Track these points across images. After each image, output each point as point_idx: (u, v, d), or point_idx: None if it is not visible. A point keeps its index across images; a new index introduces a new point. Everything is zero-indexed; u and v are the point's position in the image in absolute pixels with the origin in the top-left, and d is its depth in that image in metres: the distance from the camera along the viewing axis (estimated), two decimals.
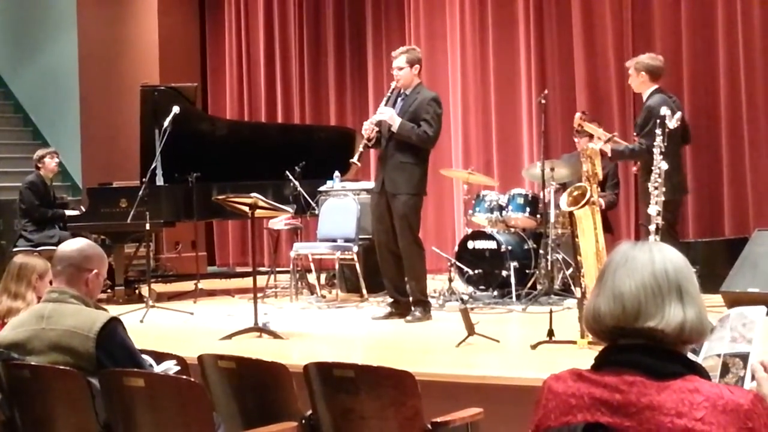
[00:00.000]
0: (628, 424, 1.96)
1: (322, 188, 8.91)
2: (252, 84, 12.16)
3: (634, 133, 6.86)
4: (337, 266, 8.59)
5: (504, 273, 7.89)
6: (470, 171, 8.61)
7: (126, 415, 3.43)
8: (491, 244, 8.04)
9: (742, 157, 8.50)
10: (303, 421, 3.52)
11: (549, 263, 7.66)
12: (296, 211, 8.61)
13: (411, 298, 7.05)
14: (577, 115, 6.65)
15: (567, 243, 7.57)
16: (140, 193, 7.83)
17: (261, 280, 8.17)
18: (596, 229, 5.88)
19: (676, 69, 8.76)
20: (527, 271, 7.96)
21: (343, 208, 8.47)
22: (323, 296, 8.53)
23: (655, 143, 6.14)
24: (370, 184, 8.83)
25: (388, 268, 7.09)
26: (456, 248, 8.37)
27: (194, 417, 3.25)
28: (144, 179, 8.07)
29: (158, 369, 3.62)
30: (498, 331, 5.92)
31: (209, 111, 12.05)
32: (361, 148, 7.16)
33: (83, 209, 9.37)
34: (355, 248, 8.14)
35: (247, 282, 7.75)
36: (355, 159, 7.14)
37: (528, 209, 8.10)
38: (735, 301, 6.14)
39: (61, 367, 3.46)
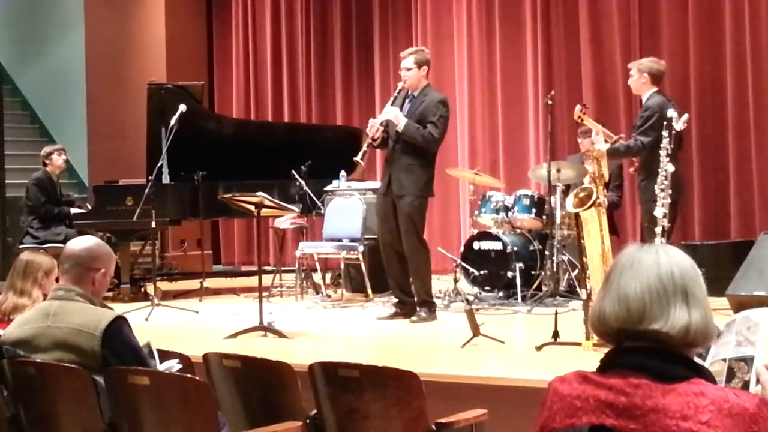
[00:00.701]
0: (634, 426, 1.96)
1: (327, 188, 8.91)
2: (258, 83, 12.18)
3: (633, 134, 6.87)
4: (342, 266, 8.59)
5: (509, 274, 7.89)
6: (476, 171, 8.60)
7: (131, 413, 3.43)
8: (497, 245, 8.04)
9: (749, 160, 8.49)
10: (307, 421, 3.52)
11: (554, 264, 7.66)
12: (302, 210, 8.61)
13: (416, 299, 7.06)
14: (578, 107, 6.62)
15: (573, 244, 7.56)
16: (146, 191, 7.83)
17: (266, 279, 8.18)
18: (602, 231, 5.88)
19: (683, 71, 8.76)
20: (533, 272, 7.96)
21: (348, 208, 8.47)
22: (328, 296, 8.53)
23: (661, 145, 6.13)
24: (376, 184, 8.83)
25: (392, 268, 7.09)
26: (461, 249, 8.37)
27: (199, 415, 3.25)
28: (150, 177, 8.07)
29: (160, 367, 3.62)
30: (503, 332, 5.91)
31: (216, 110, 12.07)
32: (365, 147, 7.14)
33: (89, 207, 9.37)
34: (361, 248, 8.14)
35: (253, 281, 7.76)
36: (359, 158, 7.13)
37: (534, 210, 8.10)
38: (740, 304, 6.12)
39: (67, 364, 3.46)
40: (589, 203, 5.84)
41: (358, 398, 3.44)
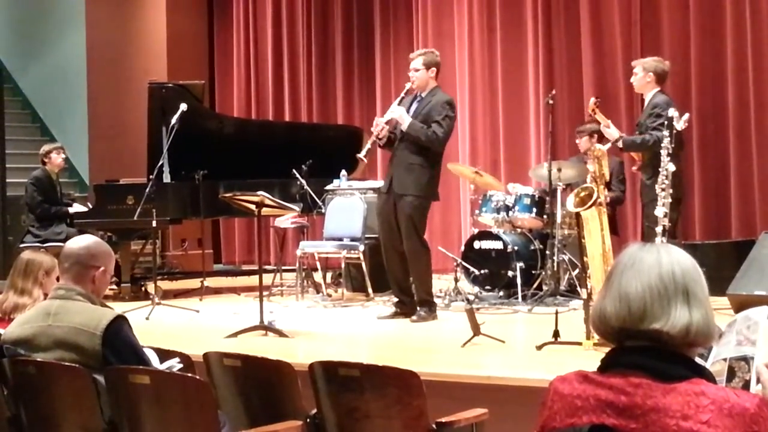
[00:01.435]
0: (634, 426, 1.96)
1: (328, 187, 8.91)
2: (259, 82, 12.18)
3: (636, 132, 6.87)
4: (343, 265, 8.59)
5: (510, 273, 7.89)
6: (477, 171, 8.60)
7: (131, 413, 3.43)
8: (497, 245, 8.04)
9: (750, 159, 8.48)
10: (308, 420, 3.52)
11: (555, 264, 7.65)
12: (303, 209, 8.61)
13: (416, 298, 7.06)
14: (592, 99, 6.66)
15: (573, 244, 7.56)
16: (147, 190, 7.83)
17: (267, 279, 8.18)
18: (603, 231, 5.88)
19: (684, 71, 8.76)
20: (533, 271, 7.96)
21: (349, 207, 8.47)
22: (329, 295, 8.53)
23: (662, 144, 6.14)
24: (377, 183, 8.83)
25: (393, 268, 7.09)
26: (462, 248, 8.37)
27: (199, 415, 3.25)
28: (151, 176, 8.07)
29: (161, 367, 3.62)
30: (503, 332, 5.92)
31: (217, 109, 12.08)
32: (368, 145, 7.14)
33: (90, 206, 9.37)
34: (362, 247, 8.14)
35: (253, 280, 7.76)
36: (361, 154, 7.13)
37: (534, 210, 8.09)
38: (741, 303, 6.12)
39: (67, 363, 3.47)
40: (590, 203, 5.84)
41: (359, 397, 3.44)
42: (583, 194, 5.93)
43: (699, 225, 8.68)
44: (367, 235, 8.30)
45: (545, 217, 8.04)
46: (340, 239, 8.37)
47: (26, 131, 13.65)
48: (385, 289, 8.20)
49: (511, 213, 8.17)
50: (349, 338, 6.60)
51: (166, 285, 9.25)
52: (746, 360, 2.15)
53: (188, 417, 3.29)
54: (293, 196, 8.86)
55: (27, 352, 3.59)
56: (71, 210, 9.26)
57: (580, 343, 5.38)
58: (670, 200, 6.10)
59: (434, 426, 3.31)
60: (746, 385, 2.13)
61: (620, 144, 6.79)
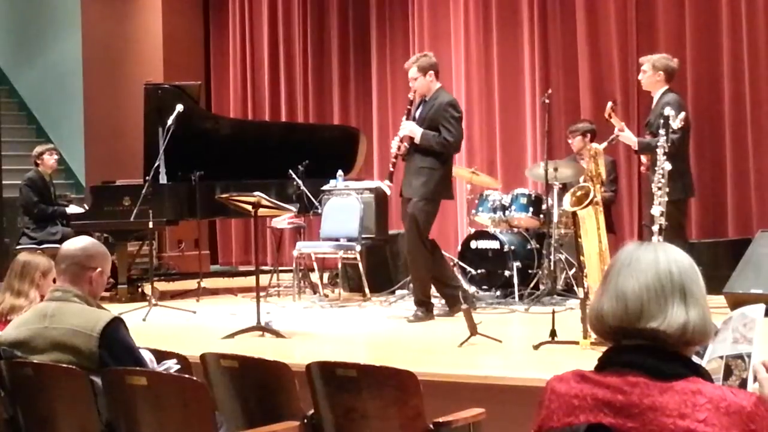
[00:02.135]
0: (631, 425, 1.96)
1: (325, 187, 8.90)
2: (256, 83, 12.16)
3: (647, 132, 6.87)
4: (339, 265, 8.59)
5: (507, 273, 7.89)
6: (473, 170, 8.60)
7: (128, 414, 3.43)
8: (494, 244, 8.04)
9: (746, 158, 8.49)
10: (305, 421, 3.52)
11: (552, 263, 7.66)
12: (299, 210, 8.60)
13: (413, 299, 7.09)
14: (609, 104, 6.68)
15: (570, 243, 7.56)
16: (143, 191, 7.82)
17: (264, 279, 8.17)
18: (599, 230, 5.88)
19: (680, 69, 8.70)
20: (530, 271, 7.96)
21: (346, 208, 8.46)
22: (326, 295, 8.53)
23: (659, 143, 6.14)
24: (374, 184, 8.85)
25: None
26: (459, 248, 8.38)
27: (196, 416, 3.25)
28: (147, 177, 8.06)
29: (159, 368, 3.62)
30: (500, 332, 5.92)
31: (213, 109, 12.05)
32: (391, 168, 7.25)
33: (86, 207, 9.37)
34: (358, 247, 8.14)
35: (250, 281, 7.75)
36: (386, 182, 7.31)
37: (531, 209, 8.10)
38: (738, 302, 6.13)
39: (64, 365, 3.46)
40: (587, 202, 5.85)
41: (356, 398, 3.44)
42: (579, 193, 5.93)
43: (695, 224, 8.68)
44: (363, 236, 8.30)
45: (542, 216, 8.05)
46: (337, 239, 8.37)
47: (22, 133, 13.63)
48: (382, 289, 8.23)
49: (507, 212, 8.17)
50: (346, 338, 6.60)
51: (162, 286, 9.25)
52: (743, 358, 2.15)
53: (185, 418, 3.29)
54: (290, 197, 8.86)
55: (24, 354, 3.59)
56: (68, 211, 9.25)
57: (577, 343, 5.38)
58: (666, 199, 6.10)
59: (431, 426, 3.31)
60: (743, 384, 2.13)
61: (635, 147, 6.81)
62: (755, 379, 2.08)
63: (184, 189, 8.84)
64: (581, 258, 5.95)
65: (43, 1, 13.68)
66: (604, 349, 2.11)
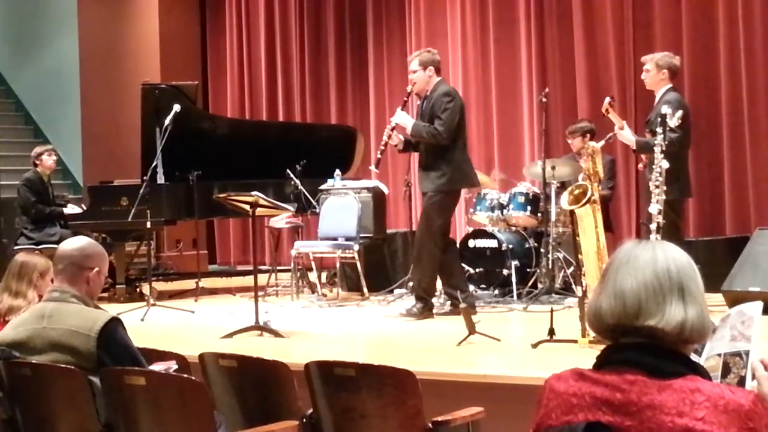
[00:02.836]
0: (629, 423, 1.96)
1: (323, 186, 8.90)
2: (253, 82, 12.16)
3: (647, 130, 6.87)
4: (338, 265, 8.59)
5: (505, 272, 7.90)
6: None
7: (127, 414, 3.43)
8: (492, 243, 8.04)
9: (743, 156, 8.49)
10: (304, 420, 3.52)
11: (550, 262, 7.66)
12: (297, 209, 8.60)
13: (414, 293, 7.09)
14: (607, 99, 6.67)
15: (568, 242, 7.57)
16: (141, 191, 7.82)
17: (262, 279, 8.17)
18: (597, 228, 5.88)
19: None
20: (528, 269, 7.96)
21: (344, 207, 8.46)
22: (324, 295, 8.53)
23: (656, 141, 6.14)
24: (372, 183, 8.85)
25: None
26: (457, 247, 8.36)
27: (195, 415, 3.25)
28: (145, 177, 8.06)
29: (158, 367, 3.62)
30: (499, 330, 5.92)
31: (210, 109, 12.06)
32: (378, 155, 7.22)
33: (84, 207, 9.36)
34: (356, 247, 8.14)
35: (248, 280, 7.75)
36: (372, 166, 7.23)
37: (529, 208, 8.10)
38: (736, 300, 6.12)
39: (62, 365, 3.46)
40: (584, 200, 5.85)
41: (355, 397, 3.44)
42: (577, 192, 5.93)
43: (693, 222, 8.69)
44: (361, 235, 8.31)
45: (540, 215, 8.05)
46: (335, 239, 8.37)
47: (19, 133, 13.63)
48: (380, 288, 8.22)
49: (505, 211, 8.17)
50: (345, 338, 6.60)
51: (161, 286, 9.25)
52: (741, 355, 2.16)
53: (184, 418, 3.29)
54: (287, 196, 8.85)
55: (22, 354, 3.59)
56: (66, 211, 9.25)
57: (575, 341, 5.38)
58: (663, 197, 6.10)
59: (430, 425, 3.31)
60: (741, 381, 2.13)
61: (634, 146, 6.80)
62: (753, 376, 2.08)
63: (182, 189, 8.83)
64: (579, 256, 5.95)
65: (40, 1, 13.66)
66: (602, 347, 2.12)
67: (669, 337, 2.01)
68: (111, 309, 4.27)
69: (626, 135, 6.73)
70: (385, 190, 8.71)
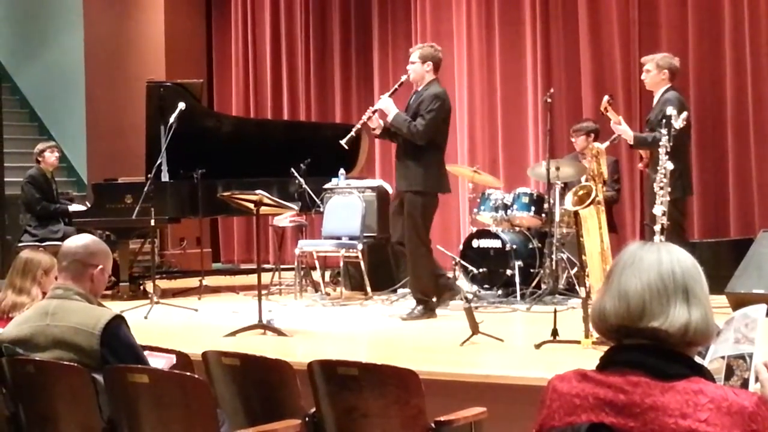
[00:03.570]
0: (633, 424, 1.96)
1: (327, 186, 8.90)
2: (258, 81, 12.17)
3: (647, 129, 6.87)
4: (341, 264, 8.60)
5: (508, 272, 7.89)
6: (475, 170, 8.60)
7: (130, 412, 3.43)
8: (496, 243, 8.03)
9: (748, 158, 8.49)
10: (306, 419, 3.52)
11: (554, 262, 7.65)
12: (301, 208, 8.61)
13: (413, 297, 7.08)
14: (606, 97, 6.66)
15: (572, 242, 7.55)
16: (145, 189, 7.82)
17: (266, 278, 8.18)
18: (601, 229, 5.88)
19: (683, 69, 8.69)
20: (532, 270, 7.95)
21: (347, 206, 8.46)
22: (328, 294, 8.53)
23: (660, 143, 6.13)
24: (376, 182, 8.85)
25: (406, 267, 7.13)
26: (461, 247, 8.37)
27: (198, 413, 3.26)
28: (149, 175, 8.07)
29: (157, 363, 3.63)
30: (502, 331, 5.91)
31: (215, 107, 12.07)
32: (352, 132, 7.15)
33: (88, 205, 9.37)
34: (360, 246, 8.14)
35: (252, 279, 7.76)
36: (343, 141, 7.13)
37: (533, 208, 8.09)
38: (740, 302, 6.13)
39: (66, 363, 3.47)
40: (588, 201, 5.85)
41: (357, 396, 3.44)
42: (581, 193, 5.93)
43: (697, 223, 8.68)
44: (365, 234, 8.30)
45: (544, 215, 8.04)
46: (339, 238, 8.37)
47: (24, 130, 13.64)
48: (384, 287, 8.22)
49: (509, 211, 8.16)
50: (348, 337, 6.60)
51: (164, 284, 9.25)
52: (744, 358, 2.15)
53: (187, 416, 3.29)
54: (292, 195, 8.86)
55: (25, 351, 3.59)
56: (70, 208, 9.25)
57: (578, 342, 5.37)
58: (668, 199, 6.10)
59: (433, 425, 3.31)
60: (745, 384, 2.13)
61: (631, 141, 6.79)
62: (757, 379, 2.08)
63: (186, 187, 8.84)
64: (583, 257, 5.94)
65: None
66: (605, 348, 2.11)
67: (673, 338, 2.00)
68: (114, 306, 4.28)
69: (624, 129, 6.73)
70: (390, 190, 8.69)
